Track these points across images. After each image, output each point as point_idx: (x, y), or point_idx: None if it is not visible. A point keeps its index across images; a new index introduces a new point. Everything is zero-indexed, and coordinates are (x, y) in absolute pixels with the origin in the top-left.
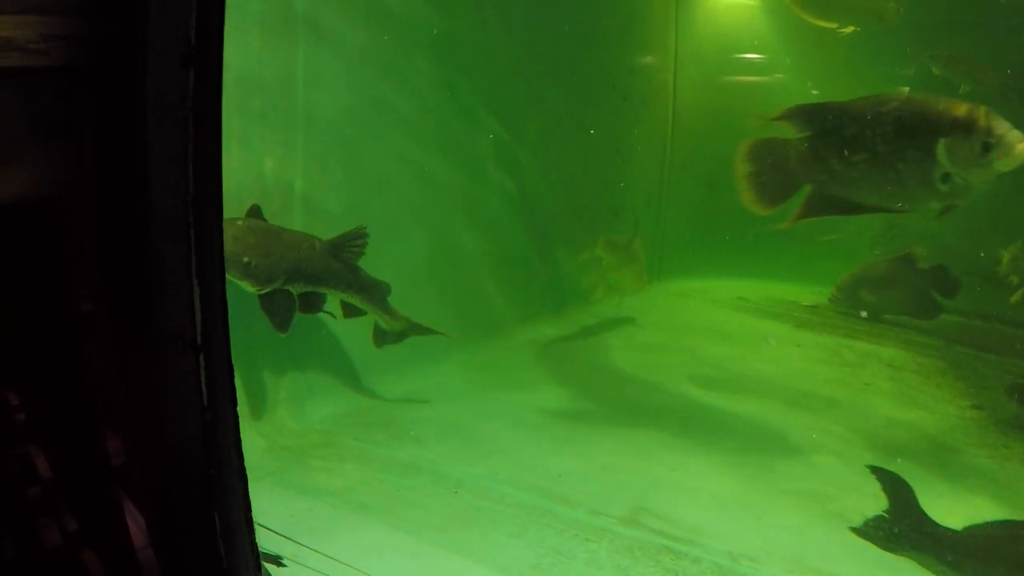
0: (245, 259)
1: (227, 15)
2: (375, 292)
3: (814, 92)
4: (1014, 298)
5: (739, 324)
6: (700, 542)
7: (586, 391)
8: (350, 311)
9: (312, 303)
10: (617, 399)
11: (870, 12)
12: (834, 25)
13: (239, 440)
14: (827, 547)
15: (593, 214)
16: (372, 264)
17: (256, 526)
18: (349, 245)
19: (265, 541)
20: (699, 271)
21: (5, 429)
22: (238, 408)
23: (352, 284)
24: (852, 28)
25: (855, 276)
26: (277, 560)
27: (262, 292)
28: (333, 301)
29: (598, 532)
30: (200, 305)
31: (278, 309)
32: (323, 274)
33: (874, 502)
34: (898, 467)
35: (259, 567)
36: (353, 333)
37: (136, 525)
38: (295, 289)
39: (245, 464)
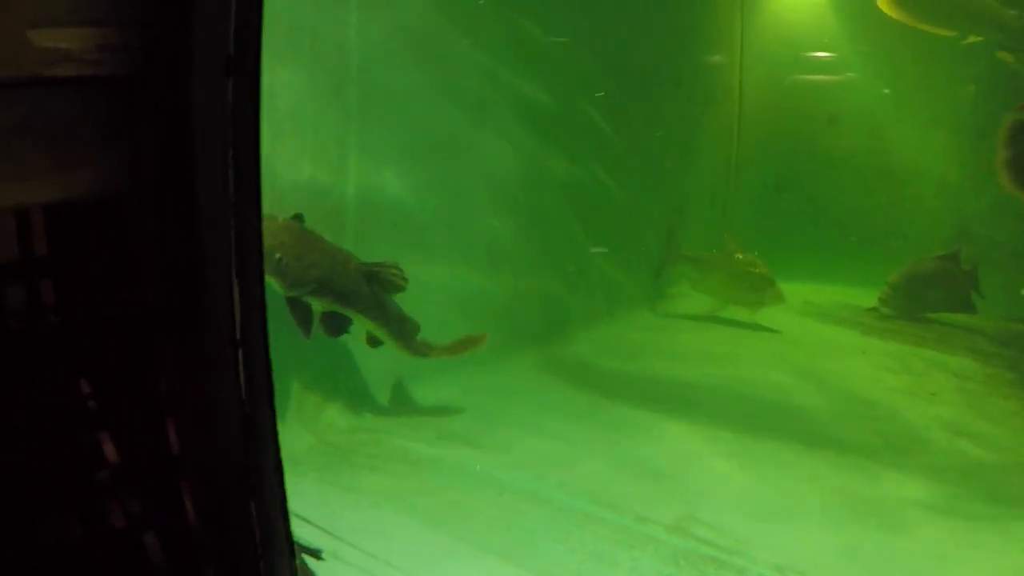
0: (277, 255)
1: None
2: (402, 327)
3: (886, 91)
4: None
5: (803, 329)
6: (747, 553)
7: (641, 396)
8: (374, 341)
9: (337, 326)
10: (671, 405)
11: (991, 21)
12: (952, 34)
13: (276, 433)
14: (878, 562)
15: (657, 214)
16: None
17: (298, 519)
18: (385, 273)
19: (307, 534)
20: None
21: (78, 416)
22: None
23: (380, 314)
24: (974, 38)
25: (905, 274)
26: (316, 554)
27: (290, 295)
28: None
29: (643, 539)
30: (240, 303)
31: (303, 314)
32: (351, 295)
33: (932, 516)
34: (959, 483)
35: (293, 555)
36: None
37: (191, 511)
38: (322, 304)
39: (282, 457)
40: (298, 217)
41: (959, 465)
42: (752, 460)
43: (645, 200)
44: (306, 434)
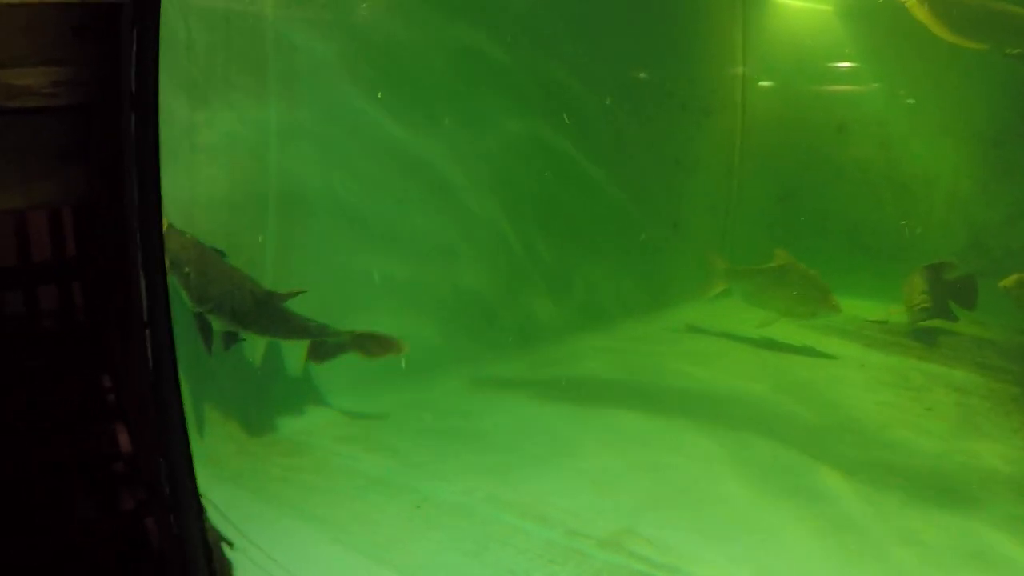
0: (186, 269)
1: None
2: (312, 332)
3: (909, 101)
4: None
5: (800, 341)
6: (684, 569)
7: (605, 408)
8: (317, 354)
9: (228, 341)
10: (635, 417)
11: None
12: (985, 47)
13: (180, 400)
14: None
15: (651, 225)
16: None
17: (217, 511)
18: (280, 301)
19: (224, 527)
20: None
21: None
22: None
23: (287, 331)
24: (1016, 51)
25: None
26: (231, 543)
27: (196, 311)
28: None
29: (567, 554)
30: (145, 291)
31: (206, 331)
32: (246, 318)
33: (900, 537)
34: (936, 501)
35: (203, 514)
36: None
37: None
38: (220, 323)
39: (187, 416)
40: (219, 252)
41: (941, 483)
42: (713, 473)
43: (634, 212)
44: (228, 442)
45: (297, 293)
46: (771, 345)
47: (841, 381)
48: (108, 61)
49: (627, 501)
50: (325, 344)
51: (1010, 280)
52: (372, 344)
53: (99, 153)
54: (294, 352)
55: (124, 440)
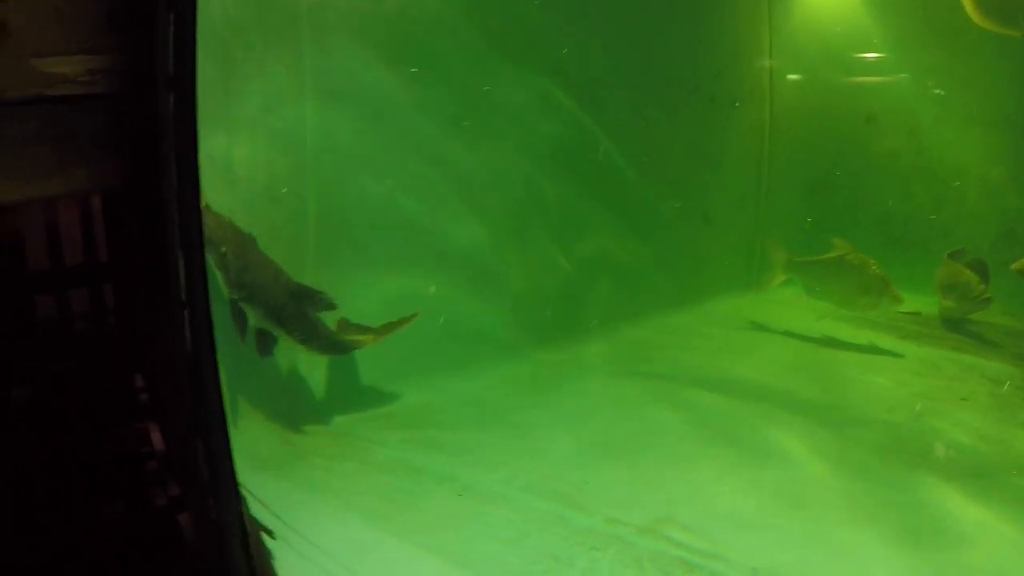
0: (223, 248)
1: None
2: (330, 345)
3: (937, 92)
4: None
5: (833, 333)
6: (722, 556)
7: (642, 400)
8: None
9: (265, 343)
10: (671, 406)
11: None
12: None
13: (219, 383)
14: (869, 570)
15: (682, 218)
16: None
17: (256, 501)
18: (315, 300)
19: (264, 517)
20: None
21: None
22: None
23: (310, 337)
24: None
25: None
26: (270, 532)
27: (231, 297)
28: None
29: (608, 540)
30: (184, 271)
31: (241, 320)
32: (279, 310)
33: (937, 522)
34: (972, 490)
35: (240, 499)
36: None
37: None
38: (254, 315)
39: (224, 399)
40: (252, 238)
41: (977, 470)
42: (750, 462)
43: (665, 206)
44: (270, 433)
45: (329, 307)
46: (804, 337)
47: (875, 372)
48: (143, 47)
49: (664, 489)
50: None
51: (1021, 263)
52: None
53: (134, 138)
54: None
55: (156, 438)
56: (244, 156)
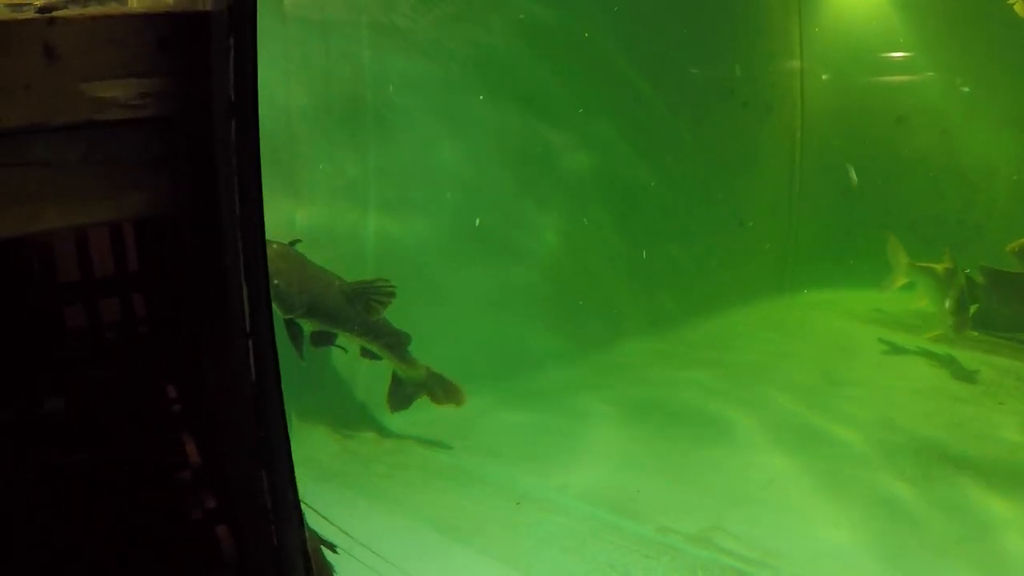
0: (275, 281)
1: None
2: (392, 341)
3: (964, 90)
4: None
5: (868, 337)
6: (773, 565)
7: (686, 406)
8: (367, 353)
9: (322, 339)
10: (715, 415)
11: None
12: None
13: (283, 412)
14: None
15: (716, 224)
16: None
17: (317, 515)
18: (371, 294)
19: (326, 530)
20: (833, 282)
21: (165, 419)
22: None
23: (368, 331)
24: None
25: None
26: (332, 546)
27: (286, 318)
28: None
29: (662, 549)
30: (248, 301)
31: (296, 336)
32: (337, 314)
33: (986, 530)
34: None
35: (302, 524)
36: (435, 339)
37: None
38: (311, 324)
39: (289, 433)
40: (294, 242)
41: (1018, 478)
42: (795, 469)
43: (703, 212)
44: (331, 442)
45: (384, 289)
46: (839, 343)
47: (911, 377)
48: (195, 71)
49: (711, 497)
50: (402, 387)
51: (1015, 244)
52: (440, 389)
53: (187, 163)
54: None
55: (191, 450)
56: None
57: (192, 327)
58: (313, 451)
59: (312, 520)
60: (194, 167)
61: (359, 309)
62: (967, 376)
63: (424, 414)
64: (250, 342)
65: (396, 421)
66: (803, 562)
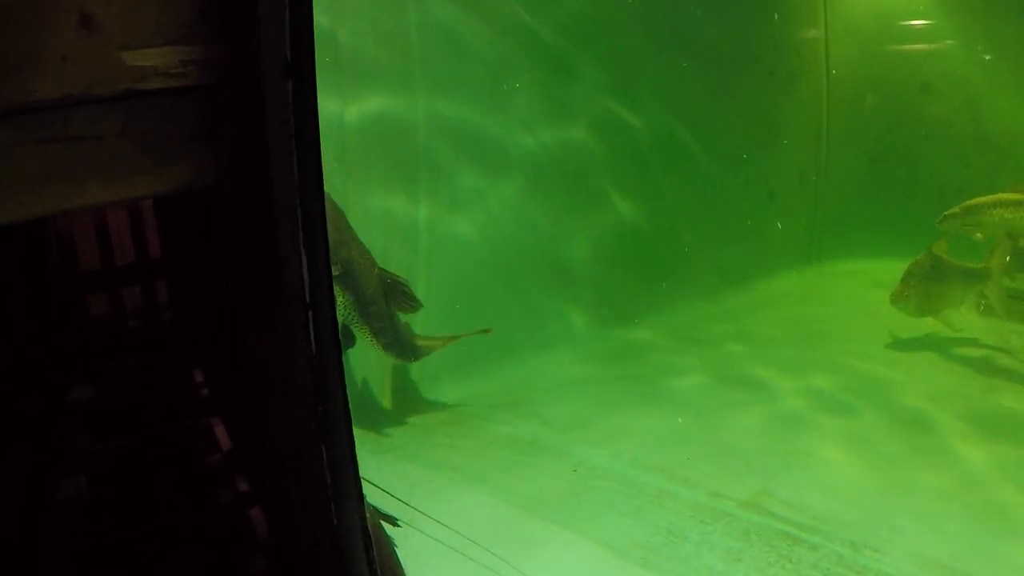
0: None
1: None
2: (401, 350)
3: (986, 57)
4: None
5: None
6: (822, 529)
7: (726, 374)
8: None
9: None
10: (756, 382)
11: None
12: None
13: (343, 384)
14: (958, 544)
15: (745, 194)
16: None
17: (377, 489)
18: (399, 291)
19: (386, 504)
20: (861, 251)
21: (193, 403)
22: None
23: (386, 329)
24: None
25: None
26: (393, 520)
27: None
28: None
29: (716, 514)
30: (308, 272)
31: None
32: (371, 296)
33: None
34: None
35: (362, 500)
36: (485, 314)
37: (271, 457)
38: (344, 298)
39: (350, 409)
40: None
41: None
42: (835, 437)
43: (730, 184)
44: (389, 413)
45: (407, 292)
46: (868, 314)
47: (941, 349)
48: (239, 36)
49: (758, 464)
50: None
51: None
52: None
53: (231, 131)
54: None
55: (221, 434)
56: None
57: (234, 304)
58: (371, 423)
59: (374, 496)
60: (239, 135)
61: (389, 306)
62: (997, 346)
63: (476, 386)
64: (309, 313)
65: (452, 392)
66: (853, 526)
